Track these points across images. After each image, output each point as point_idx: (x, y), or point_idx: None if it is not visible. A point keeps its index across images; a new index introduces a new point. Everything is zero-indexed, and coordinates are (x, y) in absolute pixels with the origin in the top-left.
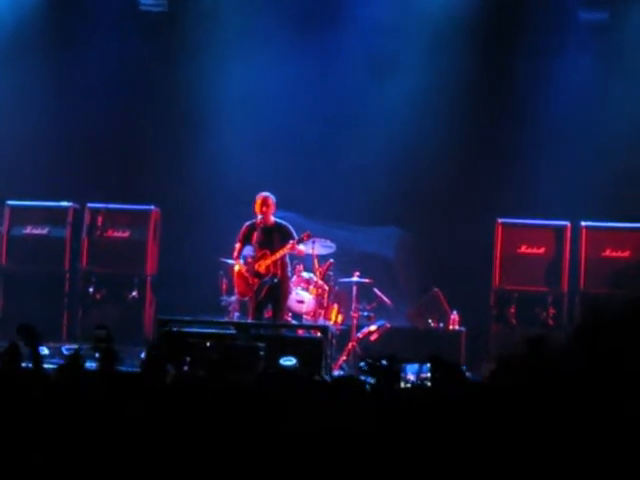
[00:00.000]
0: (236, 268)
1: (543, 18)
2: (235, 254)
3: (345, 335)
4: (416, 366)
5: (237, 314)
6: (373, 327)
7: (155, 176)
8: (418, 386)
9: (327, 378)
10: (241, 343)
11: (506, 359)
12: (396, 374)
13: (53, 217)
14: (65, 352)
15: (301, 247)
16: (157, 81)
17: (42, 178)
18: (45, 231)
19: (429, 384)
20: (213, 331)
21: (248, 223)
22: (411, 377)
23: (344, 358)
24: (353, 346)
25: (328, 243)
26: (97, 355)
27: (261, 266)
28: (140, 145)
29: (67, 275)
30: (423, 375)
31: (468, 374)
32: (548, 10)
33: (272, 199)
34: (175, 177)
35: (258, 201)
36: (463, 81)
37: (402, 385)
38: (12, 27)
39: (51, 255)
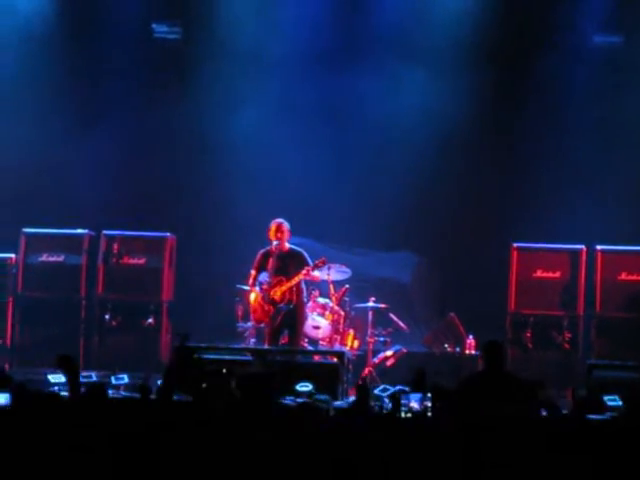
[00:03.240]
0: (252, 295)
1: (559, 41)
2: (251, 281)
3: (361, 360)
4: (419, 394)
5: (253, 340)
6: (389, 352)
7: (170, 203)
8: (420, 415)
9: (343, 404)
10: (257, 369)
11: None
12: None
13: (69, 244)
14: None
15: (316, 273)
16: (172, 108)
17: (57, 205)
18: (61, 258)
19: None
20: (229, 357)
21: (263, 250)
22: (414, 405)
23: (360, 383)
24: (369, 371)
25: (343, 269)
26: None
27: (276, 293)
28: (155, 172)
29: (83, 302)
30: (426, 403)
31: None
32: (563, 33)
33: (286, 225)
34: (190, 204)
35: (272, 228)
36: (478, 104)
37: (403, 414)
38: (24, 52)
39: (67, 282)
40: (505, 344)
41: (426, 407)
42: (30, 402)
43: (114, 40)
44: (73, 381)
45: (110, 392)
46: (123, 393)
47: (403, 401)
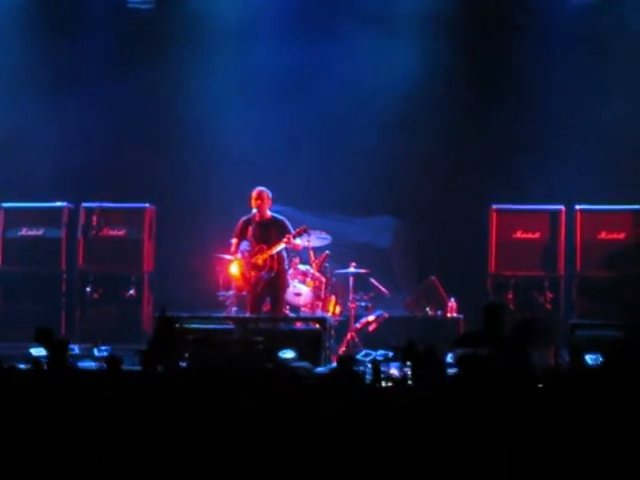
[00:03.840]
0: (234, 263)
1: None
2: (232, 249)
3: (343, 326)
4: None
5: (235, 309)
6: (371, 317)
7: (149, 174)
8: (400, 382)
9: (325, 370)
10: (239, 337)
11: None
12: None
13: (48, 218)
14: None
15: (297, 241)
16: (149, 79)
17: (36, 179)
18: (40, 232)
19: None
20: (212, 326)
21: (244, 218)
22: (394, 372)
23: (343, 349)
24: (352, 337)
25: (323, 235)
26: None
27: (258, 260)
28: (133, 143)
29: (64, 275)
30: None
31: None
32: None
33: (267, 193)
34: (169, 174)
35: (253, 195)
36: (454, 71)
37: (383, 383)
38: None
39: (47, 256)
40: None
41: (406, 374)
42: None
43: (87, 10)
44: (52, 354)
45: (93, 364)
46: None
47: (382, 368)
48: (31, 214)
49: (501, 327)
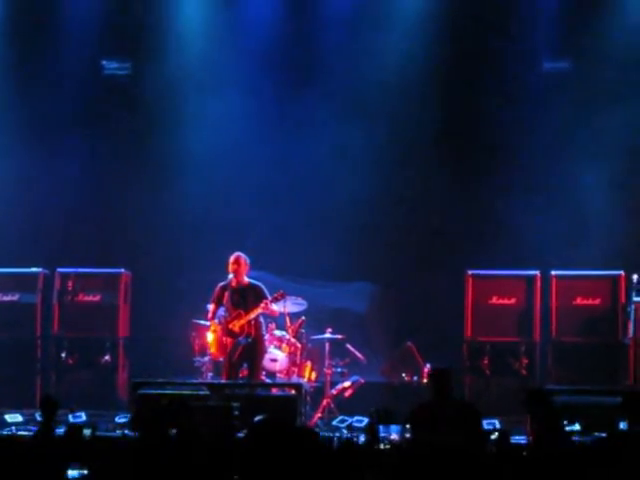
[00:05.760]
0: (211, 329)
1: (510, 67)
2: (210, 315)
3: (319, 392)
4: (399, 426)
5: (210, 374)
6: (347, 383)
7: (125, 240)
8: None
9: None
10: (214, 403)
11: None
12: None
13: (23, 283)
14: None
15: (274, 307)
16: (127, 144)
17: (11, 244)
18: (15, 297)
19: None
20: (187, 392)
21: (222, 284)
22: (395, 437)
23: (319, 415)
24: (328, 402)
25: (299, 300)
26: None
27: (235, 326)
28: (109, 209)
29: (39, 341)
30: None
31: None
32: (515, 59)
33: (244, 258)
34: (144, 240)
35: (230, 260)
36: (430, 131)
37: (382, 446)
38: None
39: (22, 321)
40: (451, 371)
41: (406, 439)
42: None
43: (64, 76)
44: (48, 422)
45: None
46: None
47: (382, 433)
48: (6, 279)
49: (449, 391)
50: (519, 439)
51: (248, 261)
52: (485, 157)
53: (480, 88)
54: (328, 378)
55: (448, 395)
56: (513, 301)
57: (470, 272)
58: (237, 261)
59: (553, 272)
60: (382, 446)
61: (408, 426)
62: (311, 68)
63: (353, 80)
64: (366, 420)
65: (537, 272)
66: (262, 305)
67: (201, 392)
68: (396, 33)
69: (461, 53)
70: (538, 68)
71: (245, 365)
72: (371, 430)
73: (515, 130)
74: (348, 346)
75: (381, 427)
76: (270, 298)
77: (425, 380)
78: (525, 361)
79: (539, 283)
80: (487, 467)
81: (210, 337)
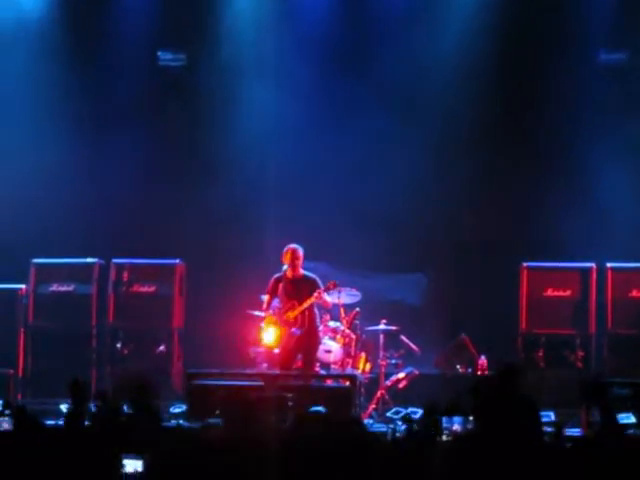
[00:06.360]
0: (266, 320)
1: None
2: (265, 306)
3: (373, 383)
4: (461, 418)
5: (265, 365)
6: (401, 374)
7: (180, 231)
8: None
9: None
10: (268, 394)
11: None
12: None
13: (79, 274)
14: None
15: (327, 298)
16: (180, 135)
17: (67, 235)
18: (71, 288)
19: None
20: (241, 383)
21: (277, 275)
22: (457, 428)
23: (373, 406)
24: (382, 394)
25: (353, 292)
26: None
27: (289, 316)
28: (164, 200)
29: (94, 331)
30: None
31: None
32: (569, 52)
33: (301, 251)
34: (199, 231)
35: (287, 253)
36: (483, 126)
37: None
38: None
39: (77, 312)
40: (523, 367)
41: (468, 430)
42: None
43: (119, 67)
44: (78, 408)
45: None
46: None
47: (445, 424)
48: (62, 270)
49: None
50: (574, 431)
51: (303, 252)
52: (542, 151)
53: (535, 81)
54: (382, 369)
55: (514, 390)
56: (568, 293)
57: (525, 264)
58: (294, 254)
59: (609, 264)
60: (444, 437)
61: (471, 418)
62: (362, 59)
63: (403, 73)
64: (420, 411)
65: (593, 264)
66: (315, 295)
67: (256, 383)
68: (449, 27)
69: (515, 48)
70: (594, 60)
71: (299, 356)
72: (434, 422)
73: (574, 121)
74: (402, 337)
75: (444, 418)
76: (322, 288)
77: (479, 372)
78: (580, 353)
79: (594, 275)
80: (546, 459)
81: (264, 328)
